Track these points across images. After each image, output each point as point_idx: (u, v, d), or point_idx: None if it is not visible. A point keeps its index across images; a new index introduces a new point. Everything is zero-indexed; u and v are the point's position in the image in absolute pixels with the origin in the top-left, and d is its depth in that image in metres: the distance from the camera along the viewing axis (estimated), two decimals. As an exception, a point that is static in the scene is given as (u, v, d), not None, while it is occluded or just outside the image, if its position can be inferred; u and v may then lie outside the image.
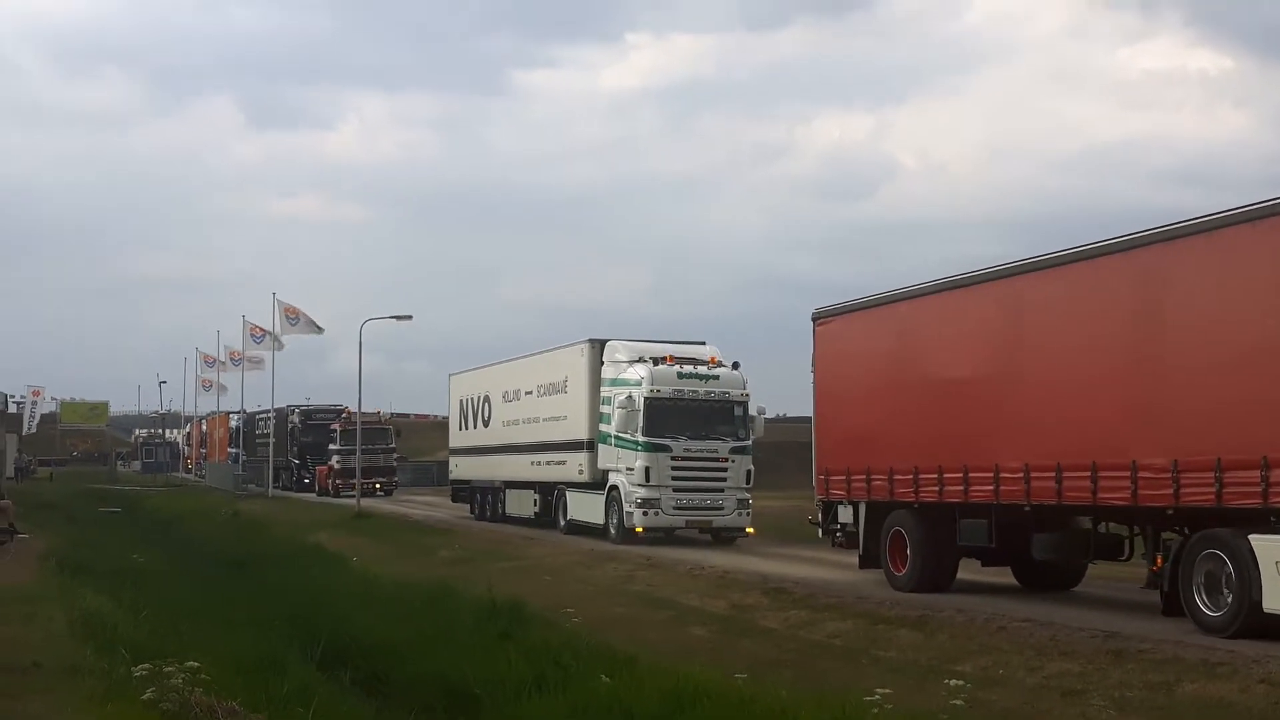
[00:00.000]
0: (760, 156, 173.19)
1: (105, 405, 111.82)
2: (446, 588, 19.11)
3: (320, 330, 52.79)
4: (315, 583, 20.92)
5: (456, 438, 40.18)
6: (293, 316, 51.09)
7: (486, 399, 37.08)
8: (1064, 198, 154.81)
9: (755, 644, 15.62)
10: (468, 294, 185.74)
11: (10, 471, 51.29)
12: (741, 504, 27.81)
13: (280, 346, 54.30)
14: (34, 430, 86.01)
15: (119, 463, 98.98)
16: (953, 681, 11.79)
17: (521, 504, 33.77)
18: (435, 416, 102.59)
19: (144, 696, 9.10)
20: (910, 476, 18.63)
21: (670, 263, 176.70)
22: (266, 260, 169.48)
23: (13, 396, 56.85)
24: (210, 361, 72.14)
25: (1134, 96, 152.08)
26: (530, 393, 33.42)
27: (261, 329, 54.69)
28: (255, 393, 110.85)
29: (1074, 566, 18.37)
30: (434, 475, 66.66)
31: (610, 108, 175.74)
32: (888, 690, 10.77)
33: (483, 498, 37.26)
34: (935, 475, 18.09)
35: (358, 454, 46.18)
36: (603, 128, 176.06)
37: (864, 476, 19.76)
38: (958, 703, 10.82)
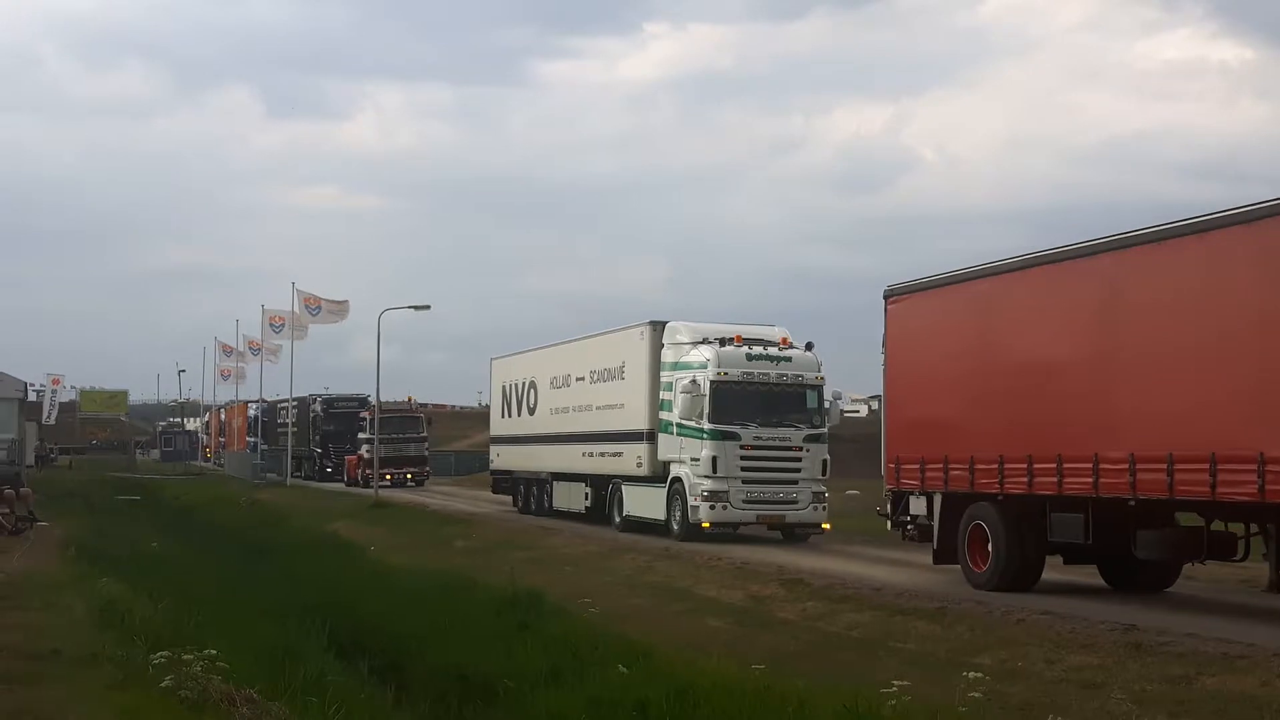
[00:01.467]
0: (778, 148, 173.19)
1: (124, 394, 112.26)
2: (464, 578, 19.14)
3: (344, 313, 52.09)
4: (332, 572, 20.98)
5: (498, 425, 38.04)
6: (313, 305, 51.20)
7: (532, 385, 34.92)
8: (1083, 190, 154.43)
9: (772, 635, 15.59)
10: (485, 285, 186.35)
11: (30, 459, 51.52)
12: (817, 497, 25.65)
13: (302, 336, 54.42)
14: (53, 419, 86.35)
15: (138, 451, 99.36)
16: (971, 674, 11.73)
17: (571, 497, 31.67)
18: (452, 406, 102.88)
19: (162, 684, 9.13)
20: (994, 466, 17.30)
21: (687, 254, 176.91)
22: (285, 250, 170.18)
23: (33, 385, 57.10)
24: (229, 351, 72.39)
25: (1154, 88, 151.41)
26: (582, 379, 31.33)
27: (281, 318, 54.77)
28: (273, 382, 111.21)
29: (1173, 566, 17.15)
30: (453, 465, 66.79)
31: (628, 99, 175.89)
32: (905, 682, 10.73)
33: (527, 490, 35.25)
34: (1024, 465, 16.78)
35: (375, 443, 46.26)
36: (620, 119, 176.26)
37: (940, 465, 18.50)
38: (976, 695, 10.78)
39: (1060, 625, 14.20)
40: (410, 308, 46.79)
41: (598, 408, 30.09)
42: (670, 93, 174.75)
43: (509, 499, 36.90)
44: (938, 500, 18.75)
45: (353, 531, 31.24)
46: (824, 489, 25.75)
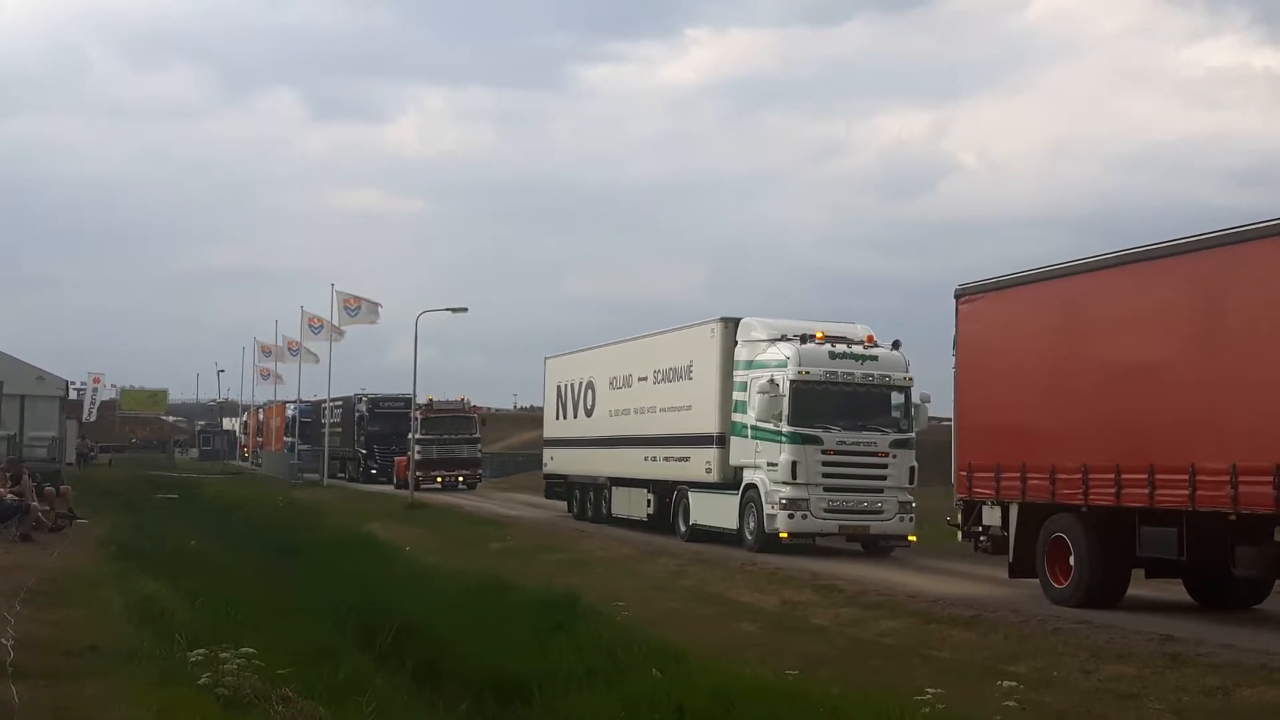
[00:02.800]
0: (819, 153, 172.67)
1: (164, 393, 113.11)
2: (499, 579, 19.18)
3: (377, 313, 52.09)
4: (368, 571, 21.06)
5: (552, 428, 36.51)
6: (352, 306, 51.37)
7: (589, 385, 33.29)
8: (1126, 197, 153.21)
9: (806, 641, 15.56)
10: (525, 288, 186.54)
11: (71, 457, 52.01)
12: (904, 507, 23.86)
13: (340, 336, 54.50)
14: (94, 417, 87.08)
15: (177, 450, 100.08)
16: (1006, 682, 11.70)
17: (632, 504, 30.03)
18: (489, 409, 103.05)
19: (199, 682, 9.19)
20: (1077, 475, 16.31)
21: (727, 259, 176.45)
22: (326, 252, 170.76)
23: (74, 383, 57.70)
24: (268, 351, 72.75)
25: (1198, 95, 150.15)
26: (645, 379, 29.68)
27: (320, 319, 55.04)
28: (312, 383, 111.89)
29: (1267, 583, 16.09)
30: (489, 468, 66.95)
31: (669, 103, 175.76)
32: (939, 690, 10.70)
33: (583, 495, 33.57)
34: (1111, 475, 15.78)
35: (412, 443, 46.26)
36: (661, 123, 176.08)
37: (1017, 474, 17.47)
38: (1011, 704, 10.75)
39: (1097, 635, 14.11)
40: (448, 310, 46.99)
41: (662, 409, 28.61)
42: (711, 97, 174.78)
43: (555, 504, 35.89)
44: (1014, 510, 17.83)
45: (389, 532, 31.34)
46: (911, 498, 24.02)
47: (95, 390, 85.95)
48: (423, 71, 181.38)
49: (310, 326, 56.23)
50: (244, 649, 9.74)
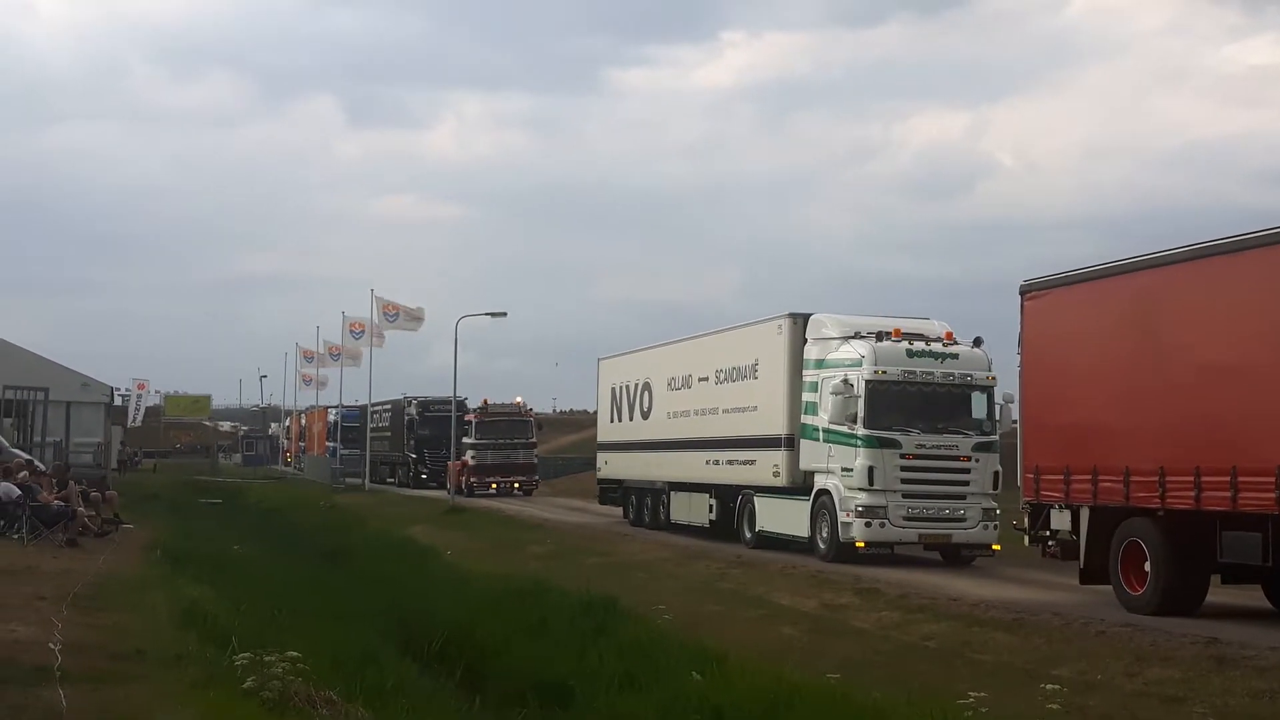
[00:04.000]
0: (854, 155, 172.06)
1: (208, 399, 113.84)
2: (539, 582, 19.24)
3: (420, 319, 52.19)
4: (409, 575, 21.16)
5: (606, 431, 35.24)
6: (391, 312, 51.64)
7: (646, 386, 32.07)
8: (1164, 197, 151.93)
9: (847, 644, 15.53)
10: (562, 292, 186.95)
11: (114, 463, 52.51)
12: (987, 515, 22.51)
13: (380, 343, 54.79)
14: (138, 422, 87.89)
15: (220, 455, 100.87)
16: (1049, 686, 11.65)
17: (692, 510, 28.96)
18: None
19: (244, 685, 9.26)
20: (1154, 478, 15.64)
21: (762, 261, 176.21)
22: (365, 258, 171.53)
23: (119, 389, 58.20)
24: (310, 357, 73.22)
25: (1237, 94, 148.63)
26: (706, 379, 28.42)
27: (361, 324, 55.35)
28: (353, 388, 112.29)
29: None
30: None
31: (704, 107, 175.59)
32: (982, 693, 10.69)
33: (640, 501, 32.34)
34: (1190, 478, 15.13)
35: (453, 442, 46.36)
36: (697, 127, 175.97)
37: (1088, 476, 16.81)
38: (1054, 707, 10.71)
39: (1140, 638, 14.01)
40: (486, 314, 47.29)
41: (725, 411, 27.36)
42: (747, 100, 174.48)
43: (610, 510, 34.88)
44: (1085, 514, 17.17)
45: (429, 535, 31.47)
46: (995, 505, 22.64)
47: (140, 396, 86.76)
48: (459, 77, 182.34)
49: (351, 332, 56.59)
50: (289, 653, 9.81)
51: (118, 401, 56.81)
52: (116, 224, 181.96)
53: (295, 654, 9.85)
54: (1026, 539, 18.69)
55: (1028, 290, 18.61)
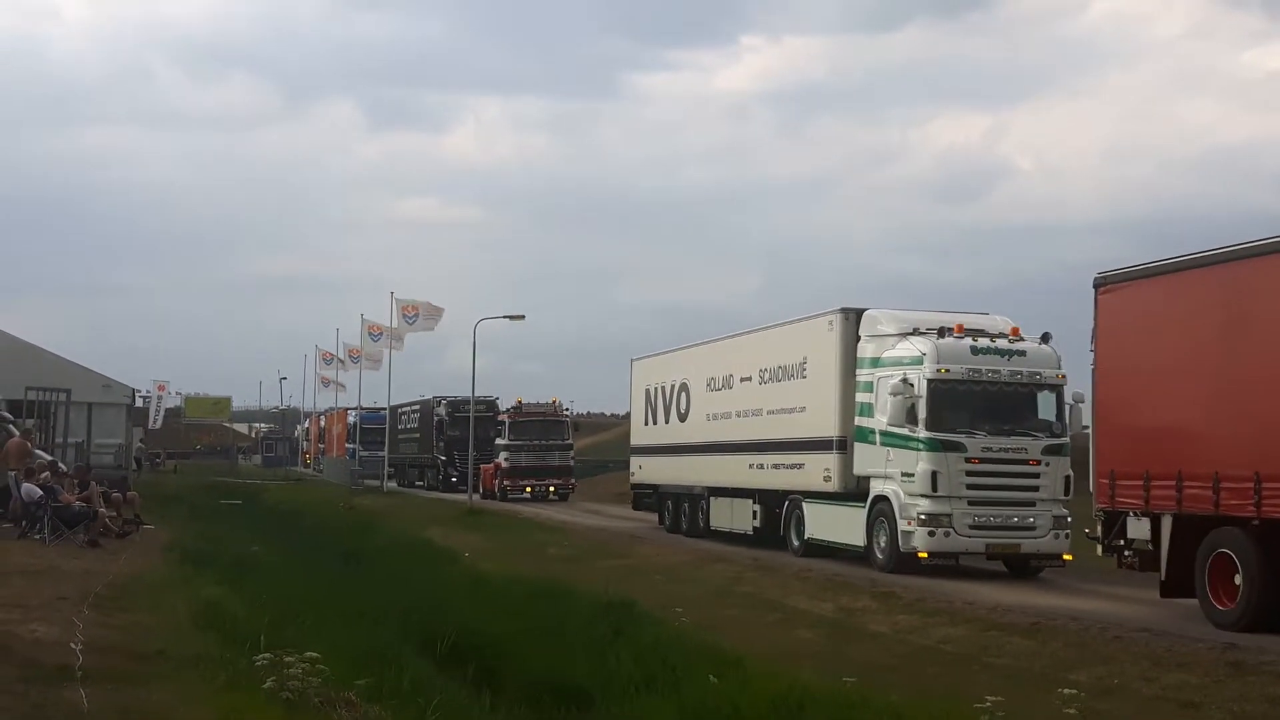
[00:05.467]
0: (874, 159, 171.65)
1: (228, 400, 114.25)
2: (557, 585, 19.28)
3: (438, 317, 51.75)
4: (427, 577, 21.22)
5: (640, 434, 34.02)
6: (410, 314, 51.78)
7: (683, 388, 30.83)
8: (1185, 201, 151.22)
9: (863, 648, 15.55)
10: (581, 295, 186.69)
11: (135, 465, 52.73)
12: (1058, 523, 21.03)
13: (399, 346, 54.86)
14: (159, 424, 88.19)
15: (240, 456, 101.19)
16: (1066, 690, 11.64)
17: (735, 516, 27.66)
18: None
19: (264, 686, 9.32)
20: (1248, 485, 14.53)
21: (781, 265, 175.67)
22: (385, 260, 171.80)
23: (140, 391, 58.38)
24: (329, 359, 73.48)
25: (1258, 98, 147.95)
26: (749, 379, 27.17)
27: (380, 327, 55.52)
28: (372, 390, 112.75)
29: None
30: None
31: (724, 111, 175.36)
32: (999, 698, 10.68)
33: (676, 507, 31.10)
34: None
35: (470, 443, 46.22)
36: (716, 131, 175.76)
37: (1171, 482, 15.68)
38: (1071, 712, 10.69)
39: (1157, 643, 14.01)
40: (505, 317, 47.42)
41: (769, 412, 26.06)
42: (766, 104, 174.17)
43: (644, 516, 33.68)
44: (1166, 523, 16.07)
45: (447, 537, 31.53)
46: (1066, 512, 21.16)
47: (160, 398, 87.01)
48: (480, 81, 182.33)
49: (370, 334, 56.76)
50: (309, 653, 9.87)
51: (138, 403, 56.95)
52: (138, 226, 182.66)
53: (315, 654, 9.90)
54: (1100, 549, 17.64)
55: (1103, 283, 17.54)
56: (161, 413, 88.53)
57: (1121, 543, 17.10)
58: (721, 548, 26.42)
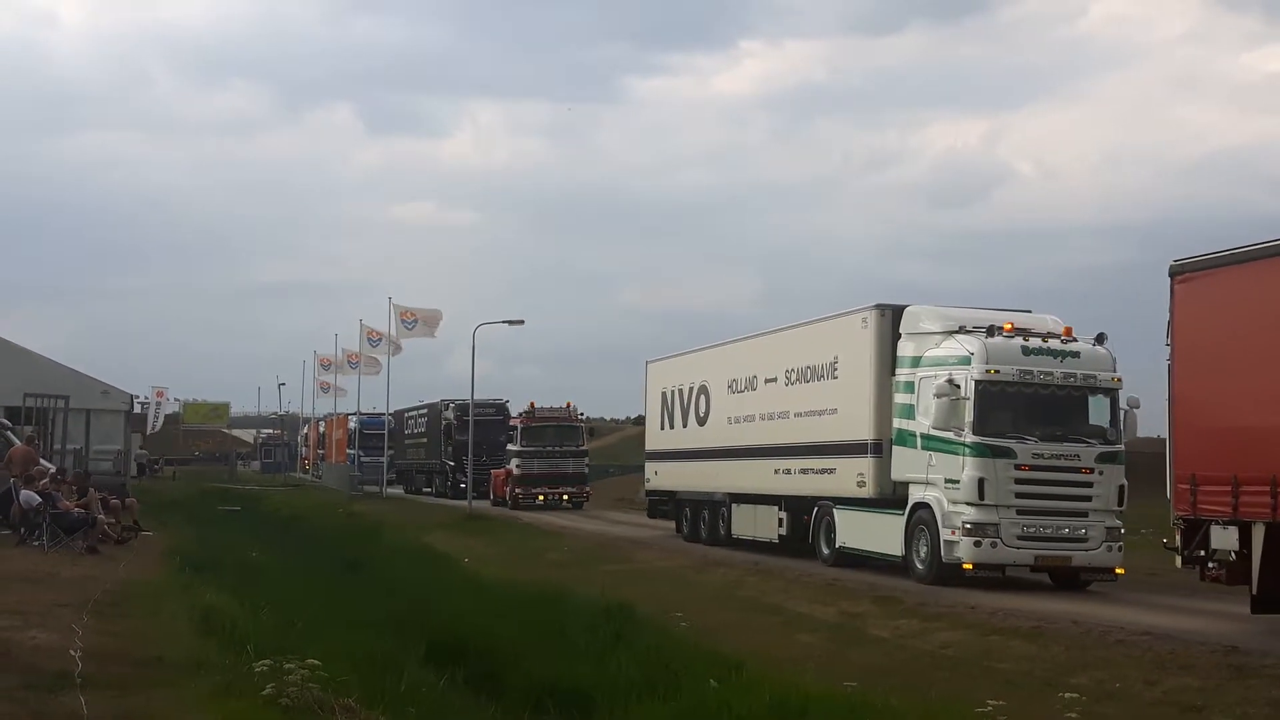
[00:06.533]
0: (872, 163, 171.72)
1: (226, 406, 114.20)
2: (557, 590, 19.27)
3: (436, 323, 51.84)
4: (428, 582, 21.20)
5: (656, 439, 32.87)
6: (409, 319, 51.79)
7: (703, 390, 29.83)
8: (1184, 205, 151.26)
9: (864, 652, 15.53)
10: (579, 300, 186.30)
11: (135, 471, 52.74)
12: (1111, 534, 19.94)
13: (397, 350, 54.85)
14: (157, 429, 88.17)
15: (239, 462, 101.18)
16: (1067, 694, 11.64)
17: (759, 523, 26.61)
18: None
19: (264, 692, 9.30)
20: None
21: (779, 269, 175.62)
22: (383, 265, 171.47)
23: (138, 397, 58.35)
24: (328, 364, 73.48)
25: (1257, 102, 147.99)
26: (774, 380, 26.16)
27: (378, 332, 55.54)
28: (370, 395, 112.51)
29: None
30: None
31: (723, 115, 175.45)
32: (1000, 702, 10.69)
33: (695, 514, 29.98)
34: None
35: (469, 448, 46.16)
36: (715, 135, 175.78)
37: (1265, 487, 14.48)
38: (1072, 715, 10.69)
39: (1159, 646, 13.99)
40: (504, 322, 47.43)
41: (797, 414, 25.02)
42: (764, 108, 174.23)
43: (661, 524, 32.50)
44: (1259, 532, 14.78)
45: (447, 543, 31.52)
46: (1120, 524, 20.17)
47: (159, 404, 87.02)
48: (477, 85, 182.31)
49: (369, 339, 56.75)
50: (308, 660, 9.85)
51: (137, 409, 56.92)
52: (135, 232, 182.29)
53: (314, 661, 9.88)
54: (1179, 560, 16.37)
55: (1180, 271, 16.38)
56: (160, 419, 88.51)
57: (1203, 553, 15.73)
58: (725, 553, 26.36)
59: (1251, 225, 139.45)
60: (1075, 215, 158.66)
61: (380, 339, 55.42)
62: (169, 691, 9.60)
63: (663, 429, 32.41)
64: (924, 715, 10.38)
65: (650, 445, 33.60)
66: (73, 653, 10.60)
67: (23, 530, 21.89)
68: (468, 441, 47.80)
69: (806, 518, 24.45)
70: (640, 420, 77.59)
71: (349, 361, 65.47)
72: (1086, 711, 11.10)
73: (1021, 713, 10.72)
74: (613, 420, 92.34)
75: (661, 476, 32.36)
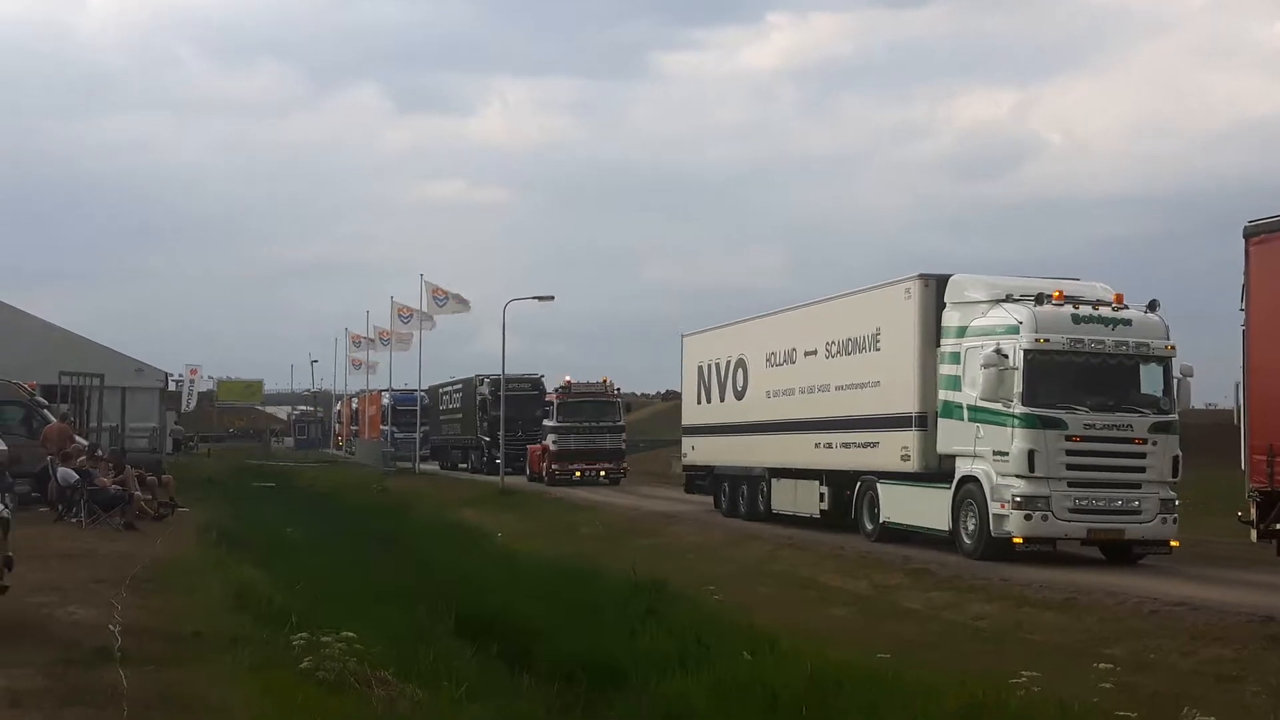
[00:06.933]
0: (899, 135, 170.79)
1: (260, 384, 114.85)
2: (590, 564, 19.33)
3: (467, 306, 52.30)
4: (461, 558, 21.30)
5: (693, 413, 32.43)
6: (440, 297, 51.85)
7: (740, 363, 29.43)
8: (1215, 174, 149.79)
9: (898, 625, 15.53)
10: (608, 276, 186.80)
11: (170, 447, 53.11)
12: (1165, 506, 19.31)
13: (431, 326, 54.86)
14: (192, 408, 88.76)
15: (273, 439, 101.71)
16: (1101, 665, 11.60)
17: (799, 498, 26.15)
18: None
19: (301, 666, 9.38)
20: None
21: (806, 243, 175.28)
22: (414, 243, 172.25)
23: (173, 375, 58.69)
24: (359, 342, 73.75)
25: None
26: (813, 352, 25.73)
27: (409, 309, 55.65)
28: (402, 372, 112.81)
29: None
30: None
31: (750, 89, 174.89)
32: (1034, 673, 10.65)
33: (734, 489, 29.59)
34: None
35: (500, 424, 46.05)
36: (743, 109, 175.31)
37: None
38: (1107, 686, 10.66)
39: (1194, 617, 13.92)
40: (534, 299, 47.42)
41: (838, 387, 24.56)
42: (792, 82, 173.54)
43: (699, 499, 31.89)
44: None
45: (480, 518, 31.67)
46: (1175, 495, 19.52)
47: (192, 382, 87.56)
48: (505, 63, 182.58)
49: (400, 316, 56.90)
50: (344, 633, 9.92)
51: (171, 387, 57.25)
52: (168, 212, 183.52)
53: (350, 634, 9.95)
54: (1254, 534, 15.98)
55: (1256, 233, 15.68)
56: (194, 397, 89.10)
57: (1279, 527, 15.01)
58: (757, 528, 26.35)
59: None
60: (1106, 186, 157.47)
61: (411, 315, 55.52)
62: (207, 666, 9.68)
63: (699, 403, 32.04)
64: (958, 687, 10.36)
65: (687, 420, 33.20)
66: (111, 628, 10.70)
67: (60, 507, 22.11)
68: (500, 416, 47.32)
69: (849, 492, 24.11)
70: (670, 395, 77.48)
71: (380, 339, 65.69)
72: (1121, 682, 11.06)
73: (1056, 683, 10.68)
74: (642, 395, 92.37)
75: (699, 451, 32.00)
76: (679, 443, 34.36)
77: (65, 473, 22.19)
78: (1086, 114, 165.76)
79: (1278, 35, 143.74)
